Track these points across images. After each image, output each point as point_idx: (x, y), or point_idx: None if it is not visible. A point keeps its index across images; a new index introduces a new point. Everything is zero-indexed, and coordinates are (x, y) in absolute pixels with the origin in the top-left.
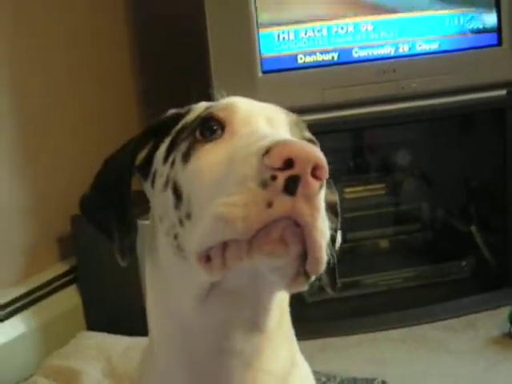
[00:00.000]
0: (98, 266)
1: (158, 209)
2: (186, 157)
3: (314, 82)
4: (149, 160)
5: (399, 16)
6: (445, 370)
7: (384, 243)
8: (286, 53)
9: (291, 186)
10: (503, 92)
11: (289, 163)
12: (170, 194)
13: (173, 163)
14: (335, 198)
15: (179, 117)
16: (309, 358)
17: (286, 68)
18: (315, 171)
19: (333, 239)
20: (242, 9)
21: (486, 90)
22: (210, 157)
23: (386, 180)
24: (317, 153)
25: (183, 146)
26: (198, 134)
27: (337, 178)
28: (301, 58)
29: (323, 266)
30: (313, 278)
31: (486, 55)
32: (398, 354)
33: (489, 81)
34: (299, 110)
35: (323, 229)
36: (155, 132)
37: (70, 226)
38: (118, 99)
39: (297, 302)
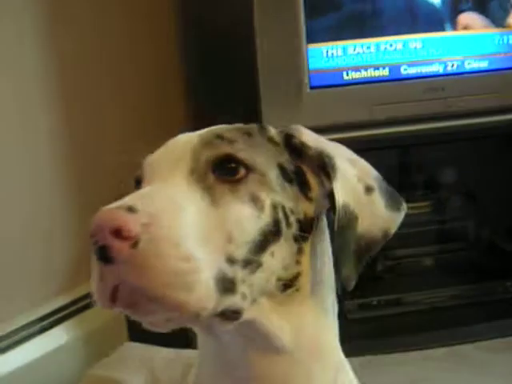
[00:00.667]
0: None
1: None
2: None
3: (362, 99)
4: None
5: (448, 34)
6: None
7: (428, 261)
8: (334, 69)
9: (104, 255)
10: None
11: (95, 235)
12: None
13: None
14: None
15: None
16: None
17: (334, 84)
18: (121, 233)
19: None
20: (291, 23)
21: None
22: None
23: (432, 198)
24: (113, 216)
25: None
26: None
27: None
28: (348, 74)
29: (193, 309)
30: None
31: None
32: (440, 374)
33: None
34: (346, 126)
35: (162, 277)
36: None
37: None
38: (164, 116)
39: (338, 319)
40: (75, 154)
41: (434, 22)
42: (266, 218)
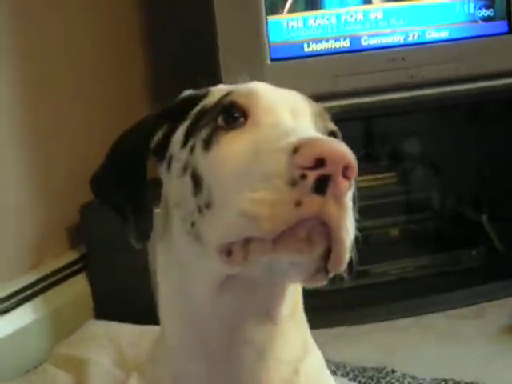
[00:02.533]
0: (108, 254)
1: (174, 194)
2: (208, 144)
3: (323, 70)
4: (164, 143)
5: (409, 4)
6: (454, 359)
7: (394, 232)
8: (295, 41)
9: (321, 186)
10: None
11: (319, 162)
12: (188, 180)
13: (192, 149)
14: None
15: (197, 99)
16: (320, 346)
17: (295, 56)
18: (345, 171)
19: None
20: None
21: (496, 78)
22: (233, 147)
23: (397, 169)
24: (348, 152)
25: (204, 133)
26: (220, 120)
27: None
28: (309, 46)
29: (345, 266)
30: (331, 274)
31: (497, 43)
32: (407, 343)
33: (499, 69)
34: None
35: (349, 229)
36: (171, 114)
37: (80, 214)
38: (124, 86)
39: (309, 293)
40: (39, 134)
41: None
42: None
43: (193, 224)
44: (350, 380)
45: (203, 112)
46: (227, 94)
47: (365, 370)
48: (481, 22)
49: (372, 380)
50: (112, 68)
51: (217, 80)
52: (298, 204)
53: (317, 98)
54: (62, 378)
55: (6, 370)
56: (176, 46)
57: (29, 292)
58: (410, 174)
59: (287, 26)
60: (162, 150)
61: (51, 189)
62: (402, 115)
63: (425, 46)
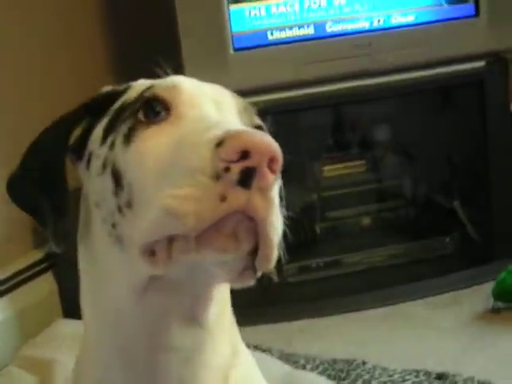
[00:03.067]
0: (74, 252)
1: (94, 193)
2: (128, 139)
3: (288, 59)
4: (83, 140)
5: None
6: (428, 348)
7: (366, 221)
8: (258, 29)
9: (246, 179)
10: (481, 63)
11: (244, 155)
12: (108, 178)
13: (112, 145)
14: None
15: (117, 95)
16: (288, 340)
17: (258, 45)
18: (271, 163)
19: None
20: None
21: (464, 61)
22: (155, 141)
23: (366, 156)
24: (274, 144)
25: (124, 128)
26: (140, 115)
27: (316, 156)
28: (272, 34)
29: (273, 263)
30: (259, 273)
31: (463, 26)
32: (379, 334)
33: (467, 52)
34: (274, 87)
35: (277, 224)
36: (90, 110)
37: None
38: (87, 74)
39: (276, 284)
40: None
41: None
42: None
43: (113, 225)
44: (319, 373)
45: (123, 107)
46: (148, 88)
47: (335, 362)
48: (447, 6)
49: (342, 372)
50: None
51: (179, 69)
52: (223, 199)
53: (282, 86)
54: (27, 379)
55: None
56: (138, 34)
57: None
58: (380, 161)
59: (249, 14)
60: (80, 147)
61: None
62: (371, 102)
63: (391, 31)
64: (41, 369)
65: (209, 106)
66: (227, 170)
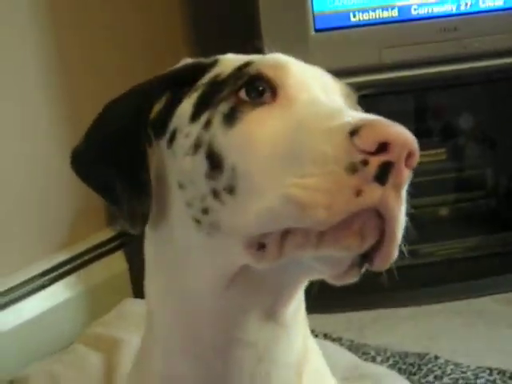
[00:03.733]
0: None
1: (178, 174)
2: (230, 120)
3: (371, 41)
4: (164, 115)
5: None
6: (503, 347)
7: (444, 211)
8: (340, 10)
9: (383, 174)
10: None
11: (382, 147)
12: (201, 159)
13: (207, 124)
14: None
15: (203, 68)
16: (360, 329)
17: (340, 26)
18: (408, 159)
19: None
20: None
21: None
22: (266, 124)
23: (448, 144)
24: (412, 138)
25: (223, 107)
26: (243, 94)
27: None
28: (355, 16)
29: (392, 261)
30: (363, 269)
31: None
32: (453, 328)
33: None
34: (355, 70)
35: (403, 222)
36: (175, 81)
37: None
38: (163, 52)
39: None
40: (71, 112)
41: None
42: None
43: (205, 210)
44: (389, 366)
45: (216, 83)
46: (248, 64)
47: (406, 355)
48: None
49: (413, 367)
50: (152, 37)
51: (258, 49)
52: (358, 193)
53: (363, 69)
54: (93, 357)
55: (40, 348)
56: (218, 9)
57: (65, 269)
58: (461, 150)
59: None
60: (161, 123)
61: None
62: (454, 89)
63: (478, 15)
64: (107, 347)
65: (318, 90)
66: (365, 162)
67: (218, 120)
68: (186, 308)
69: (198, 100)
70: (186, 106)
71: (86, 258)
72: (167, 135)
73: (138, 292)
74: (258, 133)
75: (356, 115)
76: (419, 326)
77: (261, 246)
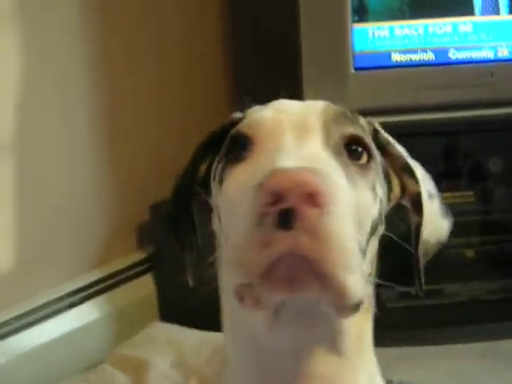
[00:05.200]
0: (175, 255)
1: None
2: (220, 180)
3: (408, 82)
4: (206, 173)
5: (500, 18)
6: None
7: (470, 252)
8: (380, 50)
9: (286, 220)
10: None
11: (279, 197)
12: (215, 214)
13: (215, 181)
14: (417, 188)
15: (233, 125)
16: (384, 366)
17: (379, 66)
18: (314, 199)
19: (417, 235)
20: (337, 1)
21: None
22: (236, 180)
23: (476, 187)
24: (309, 179)
25: (220, 166)
26: (230, 152)
27: None
28: (394, 56)
29: (352, 296)
30: (361, 305)
31: None
32: (476, 369)
33: None
34: (390, 110)
35: (341, 258)
36: (214, 142)
37: (149, 214)
38: (203, 86)
39: (375, 308)
40: (113, 131)
41: (486, 5)
42: (377, 210)
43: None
44: None
45: (225, 141)
46: (233, 124)
47: None
48: None
49: None
50: (192, 69)
51: (298, 85)
52: (265, 245)
53: (399, 109)
54: (120, 378)
55: (66, 366)
56: (258, 47)
57: (95, 289)
58: (490, 192)
59: (373, 35)
60: (204, 181)
61: (122, 186)
62: (486, 132)
63: None
64: (135, 369)
65: (289, 134)
66: (266, 214)
67: (217, 178)
68: (251, 344)
69: (215, 159)
70: (214, 165)
71: (115, 279)
72: (209, 192)
73: (166, 315)
74: (230, 189)
75: (270, 168)
76: (442, 366)
77: (241, 298)
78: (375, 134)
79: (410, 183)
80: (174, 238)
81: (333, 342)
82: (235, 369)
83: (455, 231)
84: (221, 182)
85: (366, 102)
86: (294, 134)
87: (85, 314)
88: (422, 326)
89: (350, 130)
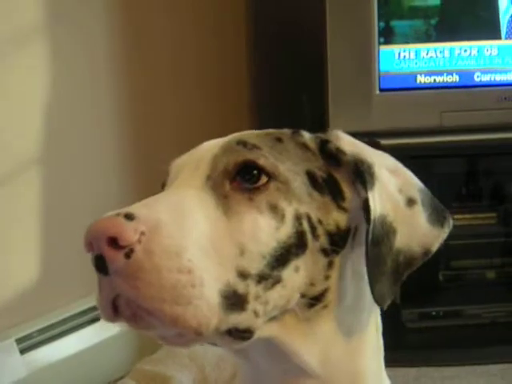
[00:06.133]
0: None
1: None
2: None
3: (432, 104)
4: None
5: None
6: None
7: (491, 274)
8: (405, 72)
9: (101, 266)
10: None
11: (90, 244)
12: None
13: None
14: (365, 194)
15: None
16: None
17: (404, 87)
18: (116, 242)
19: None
20: (364, 23)
21: None
22: None
23: (498, 209)
24: (105, 224)
25: None
26: None
27: (446, 204)
28: (420, 78)
29: (193, 326)
30: (253, 334)
31: None
32: None
33: None
34: (414, 132)
35: (157, 290)
36: None
37: None
38: (228, 107)
39: (395, 328)
40: (136, 148)
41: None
42: (287, 230)
43: None
44: None
45: None
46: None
47: None
48: None
49: None
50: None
51: (324, 104)
52: (100, 289)
53: (423, 131)
54: None
55: (87, 380)
56: (283, 64)
57: None
58: (511, 215)
59: (399, 56)
60: None
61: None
62: (508, 155)
63: None
64: (157, 383)
65: (186, 171)
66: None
67: None
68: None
69: None
70: None
71: None
72: None
73: None
74: None
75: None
76: None
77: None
78: (322, 146)
79: (362, 189)
80: None
81: (295, 364)
82: None
83: (476, 252)
84: None
85: (390, 122)
86: (191, 169)
87: (106, 329)
88: (442, 347)
89: (241, 157)
